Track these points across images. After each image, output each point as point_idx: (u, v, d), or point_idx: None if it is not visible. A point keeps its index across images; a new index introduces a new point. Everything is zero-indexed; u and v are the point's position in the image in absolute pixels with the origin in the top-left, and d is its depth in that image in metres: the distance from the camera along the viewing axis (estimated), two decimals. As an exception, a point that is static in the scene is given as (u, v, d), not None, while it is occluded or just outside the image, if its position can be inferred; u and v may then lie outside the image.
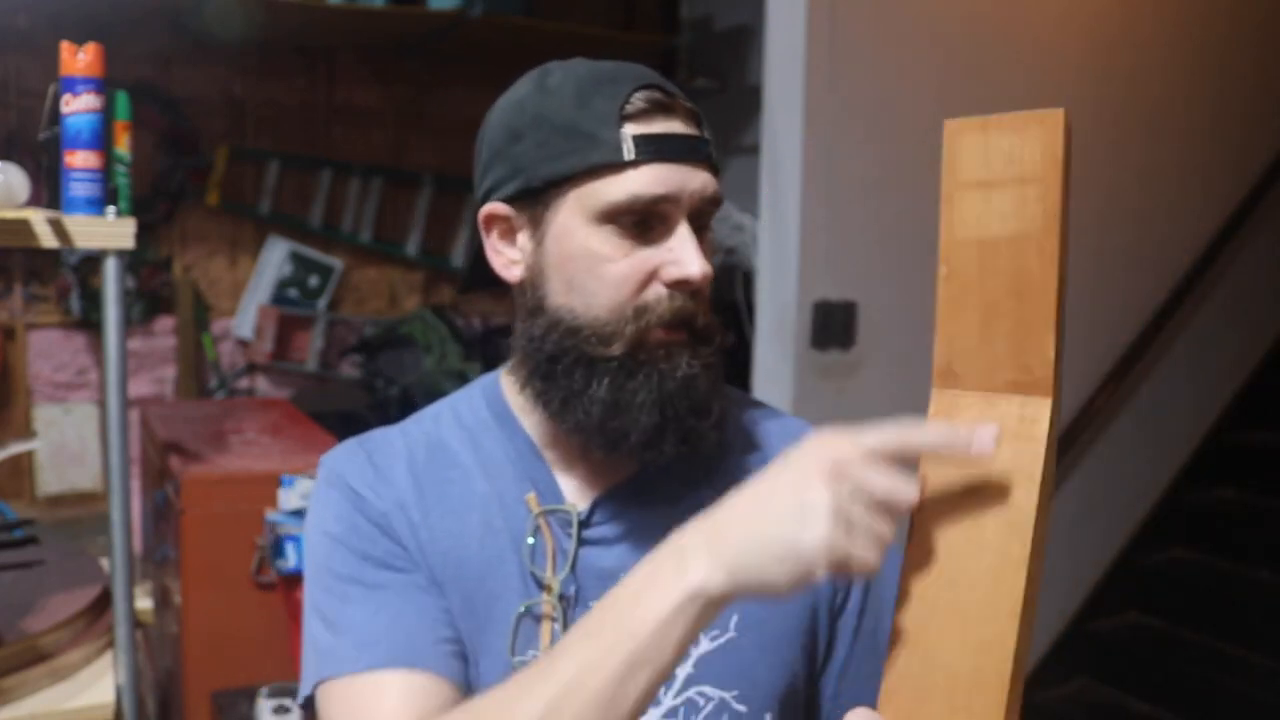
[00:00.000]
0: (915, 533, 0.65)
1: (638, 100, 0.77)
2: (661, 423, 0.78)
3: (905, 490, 0.62)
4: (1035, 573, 0.62)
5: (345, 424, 2.63)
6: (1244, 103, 3.16)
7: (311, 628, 0.81)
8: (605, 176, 0.77)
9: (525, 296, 0.82)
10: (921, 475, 0.66)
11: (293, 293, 3.28)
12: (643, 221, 0.77)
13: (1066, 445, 2.81)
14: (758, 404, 0.94)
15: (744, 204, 3.02)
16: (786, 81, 2.28)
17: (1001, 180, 0.63)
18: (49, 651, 1.47)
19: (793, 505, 0.62)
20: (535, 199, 0.80)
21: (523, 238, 0.82)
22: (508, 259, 0.83)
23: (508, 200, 0.81)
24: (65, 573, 1.67)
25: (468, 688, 0.78)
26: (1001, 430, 0.63)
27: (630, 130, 0.77)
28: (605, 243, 0.77)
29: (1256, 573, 2.99)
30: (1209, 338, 3.20)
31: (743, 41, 3.35)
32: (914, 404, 0.69)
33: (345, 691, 0.76)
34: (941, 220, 0.65)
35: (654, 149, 0.76)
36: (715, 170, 0.81)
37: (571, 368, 0.79)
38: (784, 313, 2.32)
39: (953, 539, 0.64)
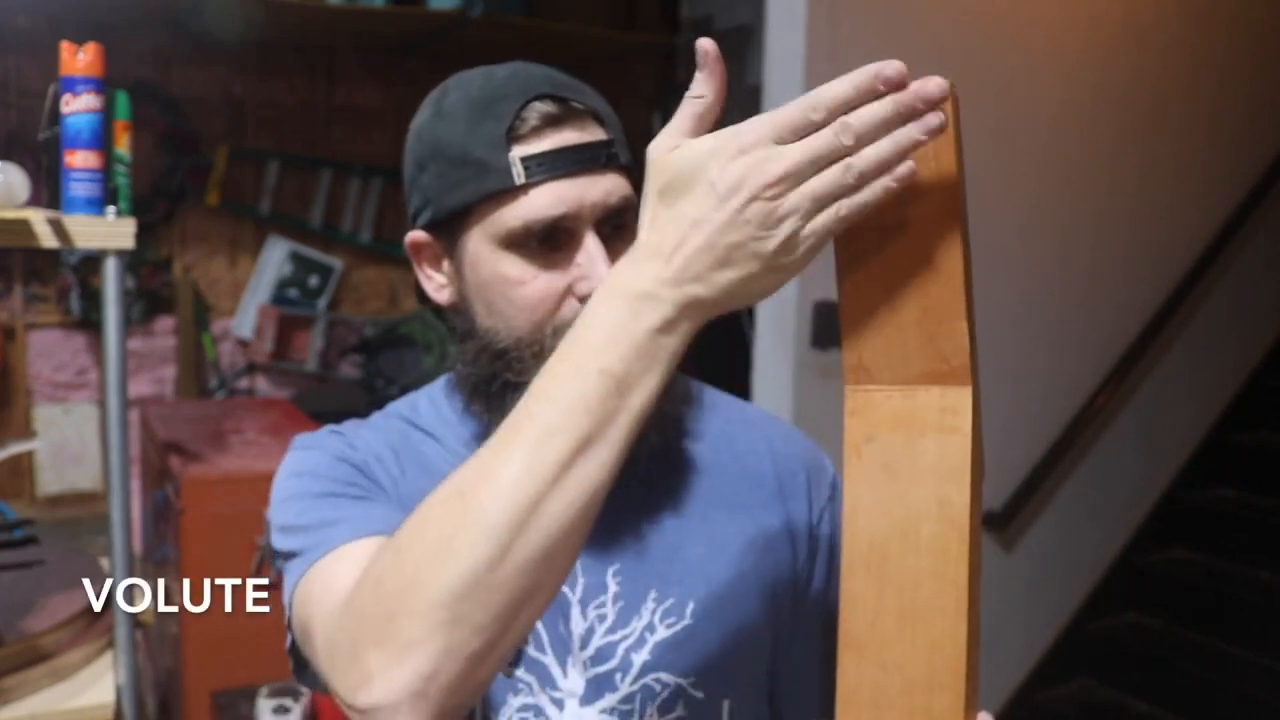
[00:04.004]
0: (849, 538, 0.63)
1: (527, 117, 0.76)
2: None
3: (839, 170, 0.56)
4: (975, 565, 0.61)
5: (345, 424, 2.62)
6: (1244, 102, 3.16)
7: (287, 545, 0.77)
8: (502, 203, 0.76)
9: (458, 319, 0.83)
10: (848, 483, 0.64)
11: (293, 293, 3.28)
12: (548, 240, 0.76)
13: (1066, 445, 2.81)
14: (717, 398, 0.93)
15: (744, 204, 3.02)
16: (786, 81, 2.29)
17: None
18: (49, 651, 1.47)
19: (735, 225, 0.57)
20: (446, 228, 0.80)
21: (445, 264, 0.83)
22: (437, 284, 0.84)
23: (425, 228, 0.82)
24: (65, 573, 1.66)
25: None
26: (923, 424, 0.61)
27: (518, 152, 0.75)
28: (514, 267, 0.77)
29: (1256, 573, 2.99)
30: (1209, 338, 3.20)
31: (743, 41, 3.35)
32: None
33: (334, 557, 0.71)
34: None
35: (545, 168, 0.75)
36: (627, 168, 0.79)
37: (502, 391, 0.79)
38: (784, 313, 2.32)
39: (888, 541, 0.62)
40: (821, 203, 0.57)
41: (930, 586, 0.60)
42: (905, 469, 0.62)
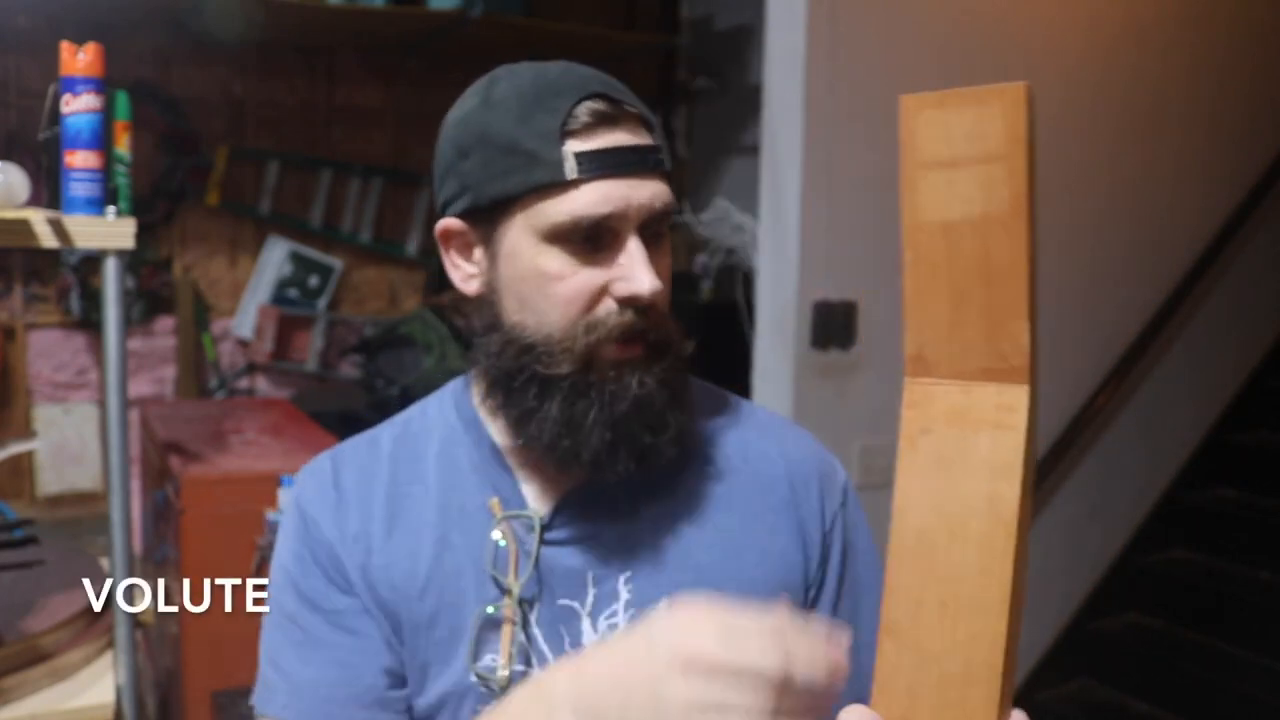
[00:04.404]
0: (897, 527, 0.64)
1: (580, 114, 0.76)
2: (614, 441, 0.78)
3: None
4: (1021, 563, 0.60)
5: (345, 424, 2.63)
6: (1244, 102, 3.16)
7: (261, 652, 0.84)
8: (549, 196, 0.76)
9: (483, 310, 0.82)
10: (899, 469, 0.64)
11: (293, 293, 3.28)
12: (591, 237, 0.76)
13: (1066, 445, 2.81)
14: (730, 401, 0.93)
15: (744, 204, 3.02)
16: (786, 81, 2.28)
17: (964, 159, 0.60)
18: (49, 651, 1.47)
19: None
20: (485, 217, 0.79)
21: (478, 253, 0.82)
22: (465, 273, 0.83)
23: (461, 216, 0.81)
24: (65, 573, 1.66)
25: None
26: (978, 419, 0.62)
27: (572, 147, 0.75)
28: (554, 261, 0.77)
29: (1256, 573, 2.99)
30: (1209, 338, 3.20)
31: (743, 41, 3.35)
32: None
33: None
34: (903, 203, 0.63)
35: (596, 165, 0.75)
36: (668, 176, 0.80)
37: (526, 385, 0.79)
38: (784, 313, 2.32)
39: (936, 532, 0.62)
40: (722, 712, 0.58)
41: (975, 581, 0.61)
42: (958, 463, 0.62)
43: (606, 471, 0.79)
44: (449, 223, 0.82)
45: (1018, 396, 0.61)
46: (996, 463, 0.61)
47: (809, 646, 0.60)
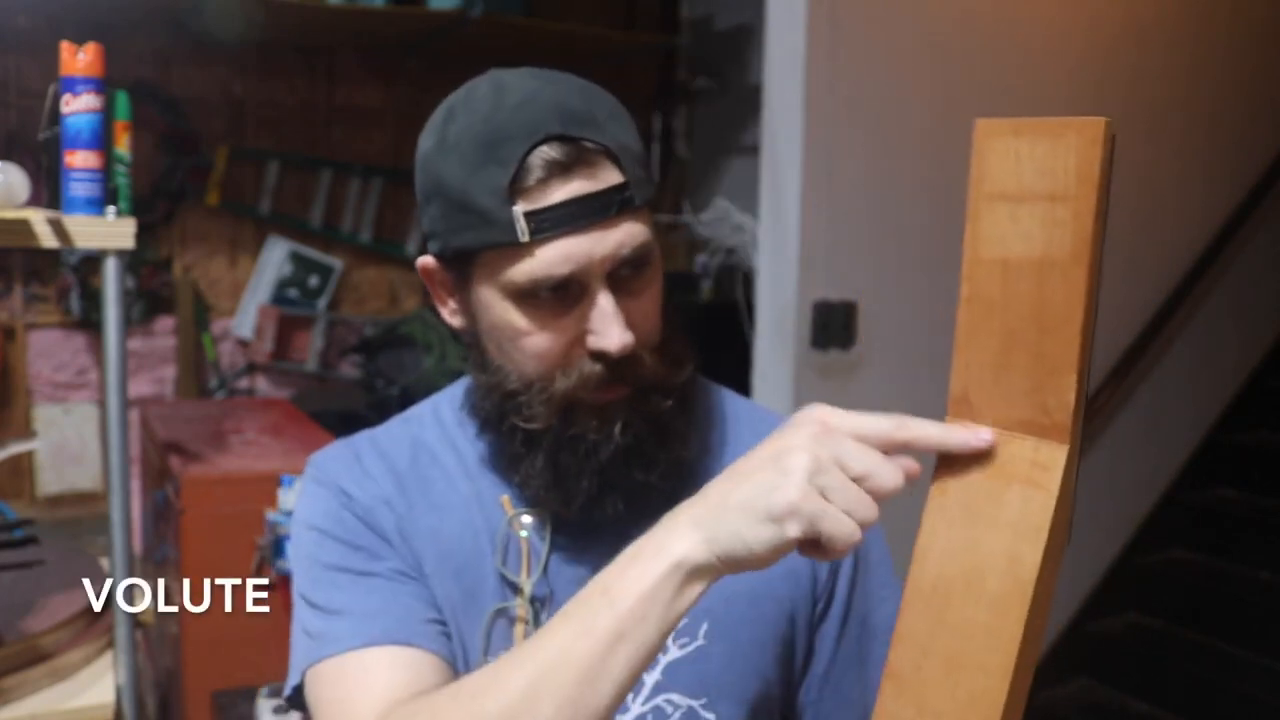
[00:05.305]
0: (915, 572, 0.62)
1: (533, 165, 0.71)
2: (602, 486, 0.77)
3: (888, 474, 0.59)
4: (1034, 628, 0.58)
5: (345, 424, 2.63)
6: (1244, 102, 3.16)
7: (301, 616, 0.81)
8: (506, 257, 0.72)
9: (470, 349, 0.82)
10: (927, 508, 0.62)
11: (293, 293, 3.28)
12: (558, 291, 0.73)
13: (1066, 445, 2.81)
14: (744, 407, 0.92)
15: (744, 204, 3.02)
16: (786, 81, 2.28)
17: (1031, 194, 0.57)
18: (49, 651, 1.47)
19: (771, 468, 0.60)
20: (454, 265, 0.78)
21: (458, 294, 0.81)
22: (449, 309, 0.83)
23: (435, 257, 0.80)
24: (65, 573, 1.66)
25: (455, 669, 0.79)
26: (1011, 474, 0.59)
27: (522, 207, 0.71)
28: (522, 317, 0.74)
29: (1256, 573, 2.99)
30: (1209, 338, 3.20)
31: (743, 41, 3.35)
32: (914, 404, 0.68)
33: (339, 670, 0.75)
34: (966, 234, 0.59)
35: (551, 223, 0.71)
36: (644, 205, 0.75)
37: (512, 432, 0.78)
38: (784, 313, 2.32)
39: (952, 584, 0.60)
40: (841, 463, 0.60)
41: (982, 641, 0.58)
42: (985, 516, 0.60)
43: (596, 515, 0.78)
44: (426, 261, 0.81)
45: (1054, 456, 0.58)
46: (1023, 522, 0.58)
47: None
